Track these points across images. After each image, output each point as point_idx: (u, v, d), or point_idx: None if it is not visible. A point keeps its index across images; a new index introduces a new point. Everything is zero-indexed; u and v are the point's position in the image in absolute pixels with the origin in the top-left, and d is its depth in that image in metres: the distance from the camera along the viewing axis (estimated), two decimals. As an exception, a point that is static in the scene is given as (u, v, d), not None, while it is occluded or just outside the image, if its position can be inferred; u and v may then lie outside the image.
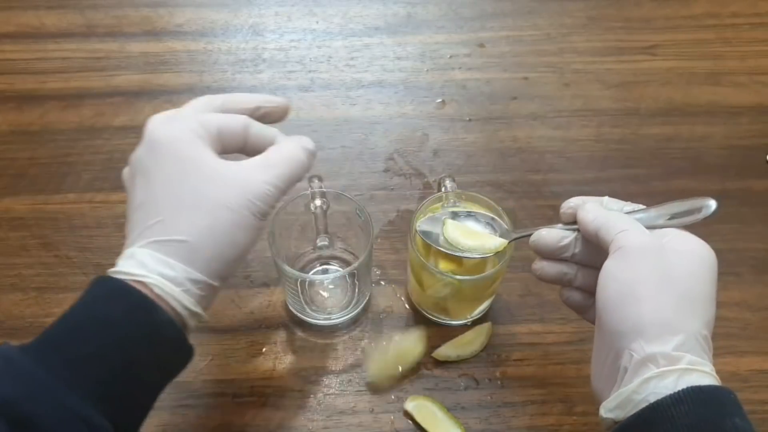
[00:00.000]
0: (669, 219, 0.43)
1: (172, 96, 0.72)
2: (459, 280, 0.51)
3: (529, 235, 0.47)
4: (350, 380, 0.55)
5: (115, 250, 0.60)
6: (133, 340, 0.37)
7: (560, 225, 0.46)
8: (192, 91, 0.73)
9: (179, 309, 0.38)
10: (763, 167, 0.68)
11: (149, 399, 0.39)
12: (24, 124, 0.70)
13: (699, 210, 0.42)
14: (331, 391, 0.54)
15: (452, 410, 0.53)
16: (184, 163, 0.40)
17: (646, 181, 0.66)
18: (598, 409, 0.53)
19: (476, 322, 0.58)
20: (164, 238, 0.38)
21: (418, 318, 0.58)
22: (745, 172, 0.67)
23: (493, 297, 0.57)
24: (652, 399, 0.36)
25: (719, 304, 0.58)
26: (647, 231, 0.42)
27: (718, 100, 0.73)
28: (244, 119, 0.43)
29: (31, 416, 0.33)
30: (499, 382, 0.55)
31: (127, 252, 0.39)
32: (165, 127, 0.42)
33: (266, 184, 0.40)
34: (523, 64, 0.76)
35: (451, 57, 0.76)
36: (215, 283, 0.40)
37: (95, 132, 0.69)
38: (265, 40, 0.78)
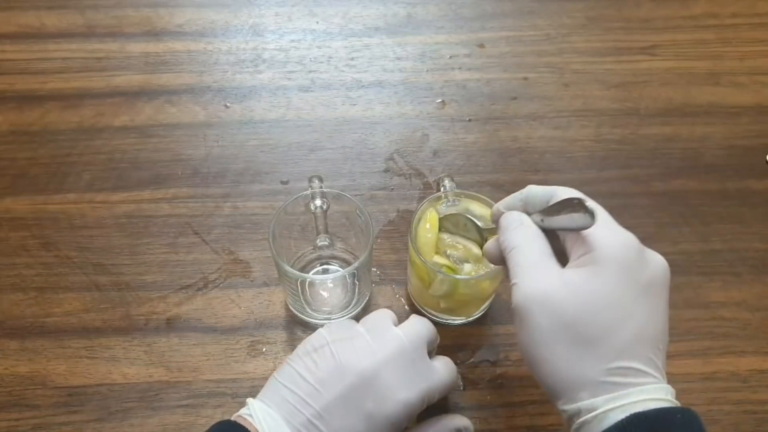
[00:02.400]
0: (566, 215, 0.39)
1: (173, 96, 0.72)
2: (458, 279, 0.51)
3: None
4: (350, 380, 0.55)
5: (115, 250, 0.61)
6: None
7: None
8: (192, 91, 0.73)
9: None
10: (762, 167, 0.68)
11: None
12: (24, 124, 0.70)
13: (585, 213, 0.38)
14: (331, 390, 0.54)
15: (452, 410, 0.53)
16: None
17: (646, 181, 0.66)
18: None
19: (475, 323, 0.58)
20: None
21: (418, 318, 0.58)
22: (745, 172, 0.67)
23: (493, 296, 0.57)
24: None
25: (719, 304, 0.58)
26: (541, 270, 0.39)
27: (717, 100, 0.73)
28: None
29: None
30: (499, 383, 0.55)
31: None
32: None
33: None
34: (523, 64, 0.76)
35: (451, 57, 0.77)
36: None
37: (96, 132, 0.69)
38: (265, 41, 0.78)
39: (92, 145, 0.68)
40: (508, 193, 0.65)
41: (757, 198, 0.66)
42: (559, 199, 0.41)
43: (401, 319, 0.58)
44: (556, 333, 0.37)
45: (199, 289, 0.59)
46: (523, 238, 0.41)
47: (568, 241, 0.41)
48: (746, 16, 0.80)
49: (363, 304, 0.58)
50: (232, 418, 0.42)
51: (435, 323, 0.57)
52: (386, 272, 0.61)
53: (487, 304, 0.57)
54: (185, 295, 0.59)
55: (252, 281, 0.60)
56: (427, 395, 0.44)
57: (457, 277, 0.51)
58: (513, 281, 0.40)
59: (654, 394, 0.36)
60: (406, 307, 0.59)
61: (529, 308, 0.38)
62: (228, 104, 0.72)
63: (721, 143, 0.70)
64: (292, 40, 0.78)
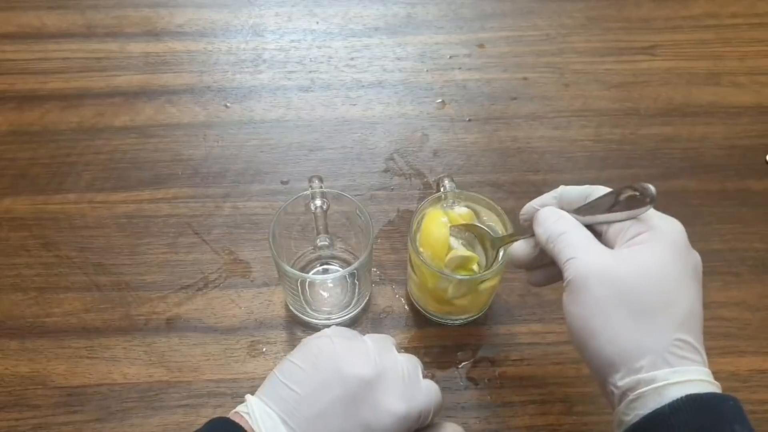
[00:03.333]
0: (612, 209, 0.41)
1: (173, 96, 0.72)
2: (458, 279, 0.51)
3: (512, 241, 0.47)
4: (350, 380, 0.55)
5: (115, 250, 0.61)
6: None
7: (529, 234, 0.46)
8: (192, 92, 0.73)
9: None
10: (762, 167, 0.68)
11: None
12: (24, 124, 0.70)
13: (642, 195, 0.40)
14: (331, 390, 0.54)
15: (452, 410, 0.53)
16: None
17: (646, 181, 0.66)
18: (600, 409, 0.53)
19: (475, 323, 0.58)
20: None
21: (417, 318, 0.58)
22: (745, 172, 0.67)
23: (493, 296, 0.57)
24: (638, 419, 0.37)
25: (719, 304, 0.58)
26: (595, 247, 0.40)
27: (717, 101, 0.73)
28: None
29: None
30: (498, 382, 0.55)
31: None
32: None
33: None
34: (523, 64, 0.76)
35: (451, 57, 0.77)
36: None
37: (96, 132, 0.69)
38: (265, 41, 0.78)
39: (92, 145, 0.68)
40: (509, 193, 0.66)
41: (757, 198, 0.66)
42: (596, 197, 0.43)
43: (403, 320, 0.58)
44: (616, 303, 0.38)
45: (199, 289, 0.59)
46: (570, 224, 0.42)
47: (612, 231, 0.41)
48: (746, 16, 0.80)
49: (363, 304, 0.58)
50: (229, 415, 0.42)
51: (435, 323, 0.58)
52: (386, 272, 0.61)
53: (488, 304, 0.57)
54: (185, 295, 0.59)
55: (252, 281, 0.60)
56: (423, 412, 0.43)
57: (458, 277, 0.51)
58: (567, 258, 0.40)
59: (705, 376, 0.37)
60: (406, 307, 0.59)
61: (587, 279, 0.39)
62: (228, 104, 0.72)
63: (721, 143, 0.70)
64: (292, 40, 0.78)
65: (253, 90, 0.73)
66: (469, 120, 0.71)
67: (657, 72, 0.75)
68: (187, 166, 0.67)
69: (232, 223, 0.63)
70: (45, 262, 0.61)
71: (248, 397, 0.43)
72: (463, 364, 0.56)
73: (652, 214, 0.41)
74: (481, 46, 0.78)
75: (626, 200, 0.41)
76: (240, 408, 0.43)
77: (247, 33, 0.79)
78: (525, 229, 0.47)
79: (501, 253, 0.51)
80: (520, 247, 0.46)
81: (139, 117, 0.71)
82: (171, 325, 0.57)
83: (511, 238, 0.48)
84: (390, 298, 0.59)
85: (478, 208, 0.54)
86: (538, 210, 0.44)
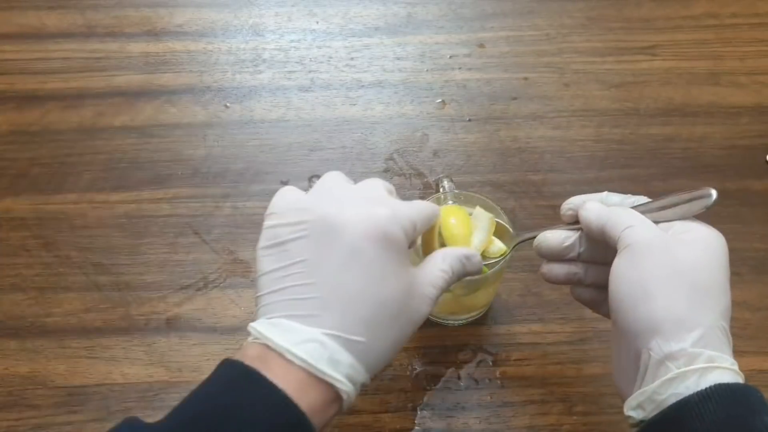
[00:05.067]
0: (670, 210, 0.42)
1: (173, 96, 0.72)
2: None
3: (532, 238, 0.47)
4: (350, 380, 0.55)
5: (115, 250, 0.61)
6: None
7: (561, 226, 0.46)
8: (192, 92, 0.73)
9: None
10: (762, 167, 0.68)
11: None
12: (24, 124, 0.70)
13: (700, 200, 0.42)
14: (331, 390, 0.54)
15: (452, 410, 0.53)
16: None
17: (646, 181, 0.67)
18: (600, 409, 0.53)
19: (475, 323, 0.58)
20: (342, 335, 0.36)
21: (418, 318, 0.58)
22: (745, 172, 0.67)
23: (493, 296, 0.57)
24: (673, 400, 0.36)
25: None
26: (653, 225, 0.41)
27: (717, 101, 0.73)
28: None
29: None
30: (499, 382, 0.55)
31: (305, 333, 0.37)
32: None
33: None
34: (523, 64, 0.76)
35: (451, 57, 0.77)
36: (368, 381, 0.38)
37: (96, 132, 0.69)
38: (265, 41, 0.78)
39: (92, 145, 0.68)
40: (509, 193, 0.66)
41: (757, 198, 0.66)
42: (634, 205, 0.44)
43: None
44: (676, 273, 0.38)
45: (199, 289, 0.59)
46: (623, 208, 0.43)
47: (659, 227, 0.42)
48: (746, 16, 0.80)
49: (363, 304, 0.58)
50: (247, 363, 0.37)
51: (435, 323, 0.58)
52: (386, 272, 0.61)
53: (488, 303, 0.57)
54: (185, 295, 0.59)
55: (252, 281, 0.60)
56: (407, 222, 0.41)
57: (461, 280, 0.51)
58: (625, 226, 0.41)
59: (736, 366, 0.38)
60: (406, 307, 0.59)
61: (650, 245, 0.39)
62: (228, 104, 0.72)
63: (721, 143, 0.70)
64: (292, 40, 0.78)
65: (253, 90, 0.73)
66: (469, 120, 0.71)
67: (657, 72, 0.75)
68: (187, 166, 0.67)
69: (232, 223, 0.63)
70: (45, 262, 0.61)
71: (252, 326, 0.39)
72: (464, 364, 0.56)
73: (697, 222, 0.42)
74: (481, 46, 0.78)
75: (677, 203, 0.42)
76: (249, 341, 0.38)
77: (247, 33, 0.79)
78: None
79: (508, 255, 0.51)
80: (554, 234, 0.46)
81: (139, 117, 0.71)
82: (171, 325, 0.57)
83: (531, 237, 0.48)
84: (390, 298, 0.59)
85: (478, 208, 0.54)
86: (585, 201, 0.45)
